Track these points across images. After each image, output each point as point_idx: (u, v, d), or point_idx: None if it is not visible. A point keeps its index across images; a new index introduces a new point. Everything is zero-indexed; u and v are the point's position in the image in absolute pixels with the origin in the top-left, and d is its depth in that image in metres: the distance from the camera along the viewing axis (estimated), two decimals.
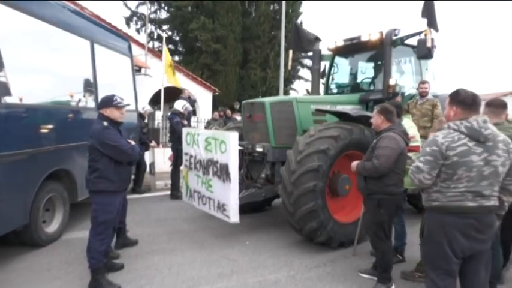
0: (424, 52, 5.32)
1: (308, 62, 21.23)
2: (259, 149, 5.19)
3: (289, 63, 7.53)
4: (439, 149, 2.36)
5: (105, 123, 3.50)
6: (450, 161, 2.34)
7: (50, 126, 4.51)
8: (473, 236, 2.37)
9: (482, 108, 3.55)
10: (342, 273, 3.98)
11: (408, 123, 4.16)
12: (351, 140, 4.53)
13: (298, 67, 24.33)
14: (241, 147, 5.04)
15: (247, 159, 5.46)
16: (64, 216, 4.90)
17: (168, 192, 7.65)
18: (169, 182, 7.83)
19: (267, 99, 5.32)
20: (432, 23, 5.22)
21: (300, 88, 33.74)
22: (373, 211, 3.53)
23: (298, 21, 23.70)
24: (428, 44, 5.23)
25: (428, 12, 5.21)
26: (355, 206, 4.82)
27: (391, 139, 3.40)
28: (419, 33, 5.54)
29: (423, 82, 5.99)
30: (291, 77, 21.49)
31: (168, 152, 8.38)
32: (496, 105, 3.30)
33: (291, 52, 7.35)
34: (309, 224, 4.38)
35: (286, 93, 21.42)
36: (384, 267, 3.55)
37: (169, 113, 7.88)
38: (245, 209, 5.59)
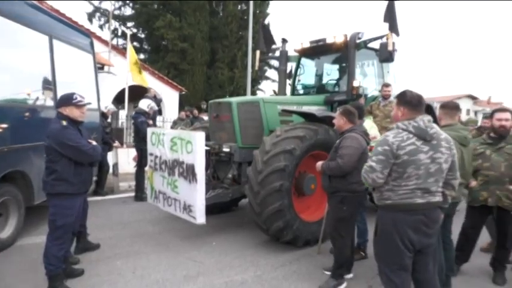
0: (385, 55, 5.51)
1: (275, 62, 21.41)
2: (226, 149, 5.17)
3: (257, 63, 7.55)
4: (390, 149, 2.44)
5: (64, 123, 3.34)
6: (401, 160, 2.42)
7: (4, 126, 4.25)
8: (423, 231, 2.49)
9: (437, 110, 3.73)
10: (307, 272, 4.04)
11: (369, 124, 4.31)
12: (316, 140, 4.60)
13: (266, 68, 24.47)
14: (207, 148, 4.99)
15: (214, 159, 5.42)
16: (19, 221, 4.63)
17: (132, 194, 7.44)
18: (133, 183, 7.63)
19: (234, 99, 5.31)
20: (393, 28, 5.41)
21: (267, 88, 33.98)
22: (336, 207, 3.62)
23: (266, 21, 23.85)
24: (390, 48, 5.42)
25: (390, 17, 5.39)
26: (320, 205, 4.91)
27: (353, 139, 3.51)
28: (381, 37, 5.72)
29: (386, 85, 6.21)
30: (258, 77, 21.59)
31: (132, 152, 8.16)
32: (450, 107, 3.48)
33: (258, 52, 7.37)
34: (276, 224, 4.40)
35: (253, 93, 21.49)
36: (339, 263, 3.65)
37: (133, 112, 7.67)
38: (211, 209, 5.56)
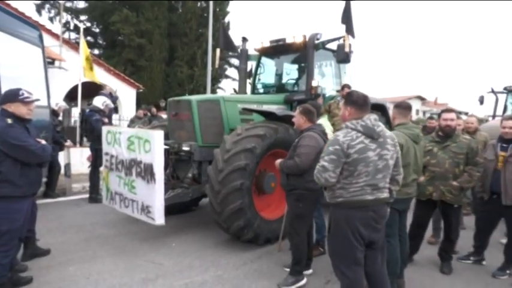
0: (342, 56, 5.67)
1: (236, 61, 21.35)
2: (185, 148, 5.07)
3: (217, 61, 7.47)
4: (341, 148, 2.50)
5: (9, 121, 3.11)
6: (351, 159, 2.49)
7: None
8: (372, 226, 2.59)
9: (390, 110, 3.88)
10: (269, 269, 4.06)
11: (324, 123, 4.39)
12: (276, 139, 4.64)
13: (226, 66, 24.38)
14: (166, 147, 4.87)
15: (173, 158, 5.30)
16: None
17: (86, 196, 7.10)
18: (87, 184, 7.28)
19: (194, 97, 5.22)
20: (350, 30, 5.58)
21: (228, 87, 33.88)
22: (292, 205, 3.67)
23: (226, 20, 23.70)
24: (347, 49, 5.58)
25: (347, 19, 5.55)
26: (280, 203, 4.95)
27: (311, 138, 3.55)
28: (338, 39, 5.88)
29: (348, 86, 6.27)
30: (219, 76, 21.45)
31: (86, 152, 7.78)
32: (404, 107, 3.64)
33: (218, 51, 7.30)
34: (236, 223, 4.39)
35: (213, 92, 21.30)
36: (297, 259, 3.69)
37: (87, 110, 7.32)
38: (171, 210, 5.45)
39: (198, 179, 5.22)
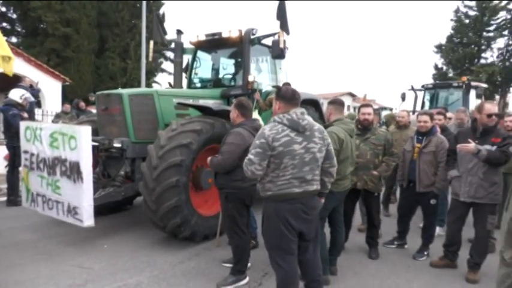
0: (277, 52, 5.74)
1: (172, 54, 20.74)
2: (117, 145, 4.79)
3: (150, 54, 7.15)
4: (266, 141, 2.56)
5: None
6: (276, 152, 2.55)
7: None
8: (303, 217, 2.65)
9: (324, 107, 4.01)
10: (207, 266, 4.01)
11: (254, 117, 4.32)
12: (213, 134, 4.57)
13: (162, 60, 23.59)
14: (95, 143, 4.57)
15: (104, 155, 4.99)
16: None
17: (4, 198, 6.43)
18: (4, 186, 6.59)
19: (125, 91, 4.95)
20: (284, 26, 5.66)
21: (164, 81, 32.82)
22: (223, 204, 3.61)
23: (161, 11, 22.92)
24: (281, 45, 5.66)
25: (281, 16, 5.63)
26: (217, 198, 4.85)
27: (237, 135, 3.42)
28: (273, 35, 5.94)
29: (289, 84, 6.31)
30: (154, 69, 20.70)
31: (3, 150, 7.02)
32: (339, 103, 3.81)
33: (152, 43, 7.00)
34: (173, 220, 4.27)
35: (149, 86, 20.51)
36: (237, 259, 3.61)
37: (2, 104, 6.60)
38: (102, 210, 5.16)
39: (131, 176, 4.98)
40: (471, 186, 3.76)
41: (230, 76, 6.76)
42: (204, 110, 5.02)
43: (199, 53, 6.97)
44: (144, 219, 5.37)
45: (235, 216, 3.53)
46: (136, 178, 4.81)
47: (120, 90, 5.02)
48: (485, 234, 3.80)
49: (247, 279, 3.63)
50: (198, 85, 6.90)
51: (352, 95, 46.78)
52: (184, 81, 6.96)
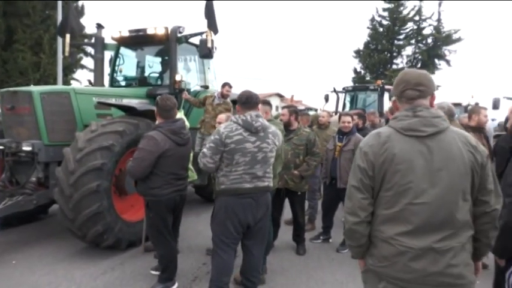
0: (205, 52, 5.64)
1: (92, 50, 19.36)
2: (26, 148, 4.33)
3: (66, 49, 6.57)
4: (219, 138, 2.80)
5: None
6: (228, 148, 2.79)
7: None
8: (253, 213, 2.87)
9: (261, 106, 4.00)
10: (132, 275, 3.80)
11: (179, 117, 4.17)
12: (137, 135, 4.30)
13: (81, 55, 21.91)
14: (0, 147, 4.06)
15: (10, 160, 4.46)
16: None
17: None
18: None
19: (36, 89, 4.49)
20: (212, 25, 5.59)
21: (84, 78, 30.57)
22: (145, 213, 3.45)
23: (79, 3, 21.32)
24: (209, 45, 5.58)
25: (209, 15, 5.55)
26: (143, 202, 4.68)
27: (149, 140, 3.19)
28: (201, 33, 5.85)
29: (230, 86, 6.04)
30: (72, 65, 19.13)
31: None
32: (269, 104, 3.95)
33: (68, 36, 6.43)
34: (94, 228, 3.96)
35: (67, 83, 18.89)
36: (163, 267, 3.46)
37: None
38: (11, 221, 4.66)
39: (44, 183, 4.52)
40: None
41: (157, 75, 6.54)
42: (128, 110, 4.76)
43: (123, 50, 6.61)
44: (61, 229, 4.92)
45: (158, 224, 3.35)
46: (51, 184, 4.39)
47: (29, 88, 4.55)
48: None
49: (176, 285, 3.51)
50: (122, 83, 6.56)
51: (280, 95, 48.27)
52: (106, 79, 6.55)
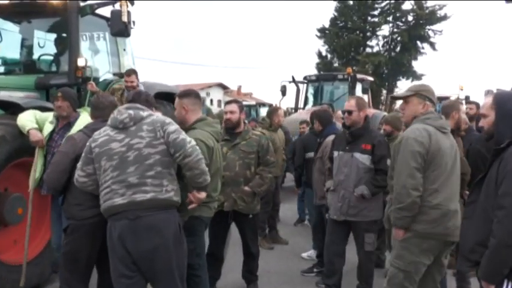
0: (119, 27, 5.56)
1: None
2: None
3: None
4: (89, 143, 2.94)
5: None
6: (94, 154, 2.87)
7: None
8: (132, 242, 2.72)
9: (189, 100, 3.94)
10: None
11: (85, 118, 4.07)
12: (23, 143, 4.20)
13: None
14: None
15: None
16: None
17: None
18: None
19: None
20: None
21: None
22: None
23: None
24: (124, 18, 5.51)
25: None
26: (34, 236, 4.51)
27: (68, 140, 3.40)
28: (113, 3, 5.77)
29: (129, 74, 6.03)
30: None
31: None
32: (196, 96, 3.73)
33: None
34: None
35: None
36: None
37: None
38: None
39: None
40: (344, 201, 4.14)
41: (50, 58, 6.39)
42: (9, 107, 4.62)
43: (1, 22, 6.33)
44: None
45: (72, 257, 3.25)
46: None
47: None
48: (365, 257, 4.23)
49: None
50: (0, 70, 6.34)
51: (223, 86, 48.51)
52: None
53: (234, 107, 4.36)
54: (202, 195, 3.04)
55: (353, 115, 4.16)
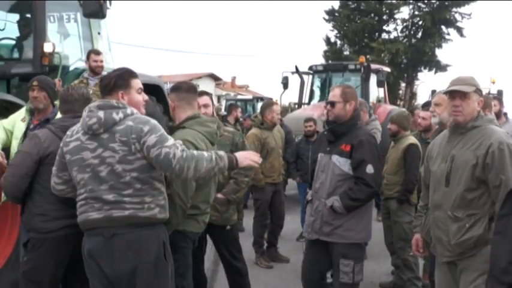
0: (92, 8, 5.58)
1: None
2: None
3: None
4: (62, 147, 2.90)
5: None
6: (66, 160, 2.84)
7: None
8: (108, 262, 2.70)
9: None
10: None
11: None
12: None
13: None
14: None
15: None
16: None
17: None
18: None
19: None
20: None
21: None
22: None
23: None
24: None
25: None
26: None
27: (30, 139, 3.37)
28: None
29: (97, 53, 6.04)
30: None
31: None
32: (186, 89, 3.58)
33: None
34: None
35: None
36: None
37: None
38: None
39: None
40: (317, 216, 3.83)
41: (11, 43, 6.47)
42: None
43: None
44: None
45: (34, 278, 3.24)
46: None
47: None
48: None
49: None
50: None
51: (215, 78, 48.46)
52: None
53: (207, 99, 4.16)
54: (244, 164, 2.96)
55: (336, 107, 3.79)
